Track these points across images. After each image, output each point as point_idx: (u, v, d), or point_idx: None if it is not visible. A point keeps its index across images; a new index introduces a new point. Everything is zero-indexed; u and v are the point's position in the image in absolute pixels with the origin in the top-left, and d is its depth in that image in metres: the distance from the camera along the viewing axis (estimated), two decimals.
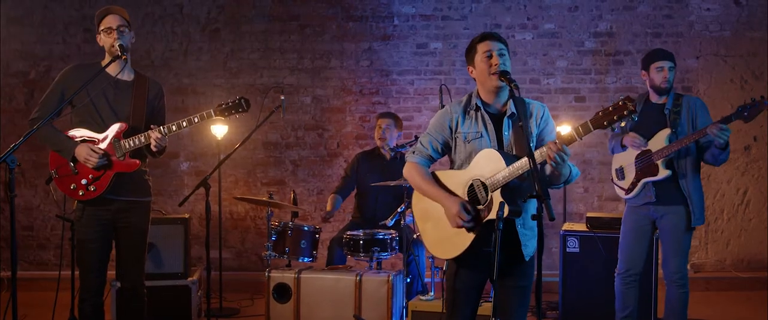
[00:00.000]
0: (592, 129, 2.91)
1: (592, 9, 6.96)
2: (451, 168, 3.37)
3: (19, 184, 6.96)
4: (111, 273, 4.07)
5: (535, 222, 3.16)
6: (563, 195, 6.51)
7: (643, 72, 4.56)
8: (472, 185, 3.21)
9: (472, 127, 3.28)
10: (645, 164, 4.45)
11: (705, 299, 6.42)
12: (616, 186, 4.71)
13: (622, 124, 2.88)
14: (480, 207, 3.17)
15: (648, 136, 4.47)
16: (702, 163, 4.51)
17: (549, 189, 3.24)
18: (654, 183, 4.44)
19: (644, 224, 4.55)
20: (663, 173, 4.38)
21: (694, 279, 6.78)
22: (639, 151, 4.47)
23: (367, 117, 6.97)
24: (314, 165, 7.03)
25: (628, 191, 4.55)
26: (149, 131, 3.83)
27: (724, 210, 6.99)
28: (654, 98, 4.55)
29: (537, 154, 3.02)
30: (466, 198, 3.21)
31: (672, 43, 6.94)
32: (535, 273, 3.03)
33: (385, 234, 4.87)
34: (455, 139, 3.33)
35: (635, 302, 4.60)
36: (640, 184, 4.47)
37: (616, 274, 4.64)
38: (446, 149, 3.39)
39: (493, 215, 3.09)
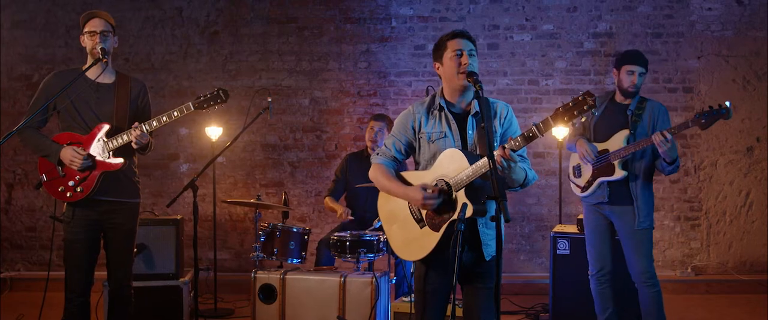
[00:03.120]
0: (553, 124, 2.89)
1: (591, 9, 6.91)
2: (416, 169, 3.37)
3: (22, 186, 7.06)
4: (103, 273, 4.13)
5: (508, 222, 3.16)
6: (559, 197, 6.46)
7: (614, 70, 4.56)
8: (437, 185, 3.20)
9: (435, 127, 3.28)
10: (602, 163, 4.45)
11: (705, 302, 6.36)
12: (572, 184, 4.74)
13: (583, 119, 2.86)
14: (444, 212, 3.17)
15: (608, 135, 4.49)
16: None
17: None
18: (609, 183, 4.45)
19: (602, 222, 4.58)
20: (619, 174, 4.40)
21: (695, 282, 6.75)
22: (593, 158, 4.47)
23: (364, 119, 6.98)
24: (312, 166, 7.05)
25: (583, 189, 4.58)
26: (130, 129, 3.90)
27: (726, 212, 6.90)
28: (619, 98, 4.57)
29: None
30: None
31: (673, 43, 6.87)
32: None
33: (371, 236, 4.87)
34: (419, 139, 3.33)
35: (613, 302, 4.58)
36: (595, 183, 4.49)
37: (589, 276, 4.64)
38: (410, 150, 3.39)
39: (457, 215, 3.09)
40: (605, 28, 6.92)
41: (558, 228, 5.48)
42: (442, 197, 3.14)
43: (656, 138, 4.16)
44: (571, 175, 4.73)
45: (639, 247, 4.41)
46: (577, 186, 4.65)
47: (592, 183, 4.52)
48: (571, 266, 5.21)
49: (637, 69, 4.45)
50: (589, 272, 4.67)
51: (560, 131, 6.25)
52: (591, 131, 4.61)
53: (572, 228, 5.38)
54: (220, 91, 3.98)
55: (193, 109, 3.96)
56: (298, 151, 7.06)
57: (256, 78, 7.03)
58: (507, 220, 2.80)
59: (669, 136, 4.15)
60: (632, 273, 4.47)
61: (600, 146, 4.50)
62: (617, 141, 4.43)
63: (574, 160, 4.72)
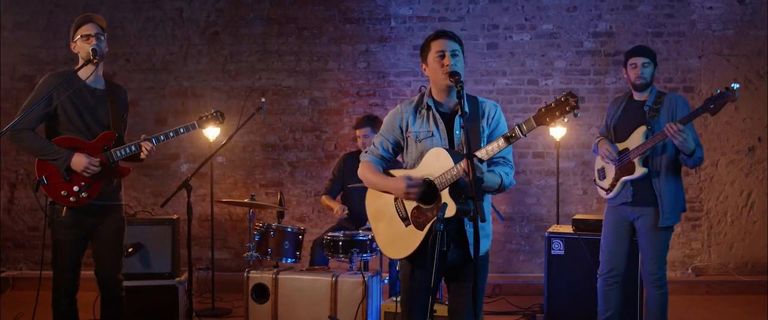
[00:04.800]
0: (535, 125, 2.90)
1: (591, 9, 6.89)
2: (404, 168, 3.38)
3: (25, 185, 7.11)
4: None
5: (485, 222, 3.17)
6: (557, 197, 6.44)
7: (624, 70, 4.53)
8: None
9: (423, 126, 3.29)
10: (624, 162, 4.40)
11: (705, 302, 6.33)
12: (597, 187, 4.67)
13: (565, 120, 2.85)
14: (429, 206, 3.17)
15: (628, 134, 4.44)
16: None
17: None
18: (632, 182, 4.39)
19: (623, 224, 4.51)
20: (639, 171, 4.33)
21: (696, 282, 6.71)
22: (615, 156, 4.42)
23: None
24: (312, 167, 7.06)
25: (608, 191, 4.51)
26: (141, 142, 4.02)
27: (727, 213, 6.86)
28: (636, 96, 4.51)
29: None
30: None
31: (673, 43, 6.84)
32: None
33: (364, 236, 4.88)
34: (406, 138, 3.35)
35: (617, 303, 4.55)
36: (619, 183, 4.42)
37: (598, 275, 4.60)
38: (398, 149, 3.41)
39: (436, 215, 3.09)
40: (605, 27, 6.89)
41: (553, 228, 5.47)
42: (425, 187, 3.15)
43: (669, 129, 4.09)
44: (597, 179, 4.67)
45: (655, 248, 4.36)
46: (603, 188, 4.58)
47: (615, 184, 4.45)
48: (565, 266, 5.20)
49: (640, 60, 4.40)
50: (598, 271, 4.61)
51: (558, 131, 6.23)
52: (612, 131, 4.59)
53: (567, 229, 5.36)
54: (218, 113, 4.44)
55: (198, 127, 4.34)
56: (298, 151, 7.08)
57: (255, 78, 7.05)
58: (482, 220, 2.80)
59: (681, 126, 4.06)
60: (643, 273, 4.45)
61: (621, 145, 4.45)
62: (636, 138, 4.37)
63: (598, 163, 4.66)
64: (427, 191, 3.17)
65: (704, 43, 6.84)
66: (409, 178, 3.17)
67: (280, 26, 7.04)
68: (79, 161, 3.88)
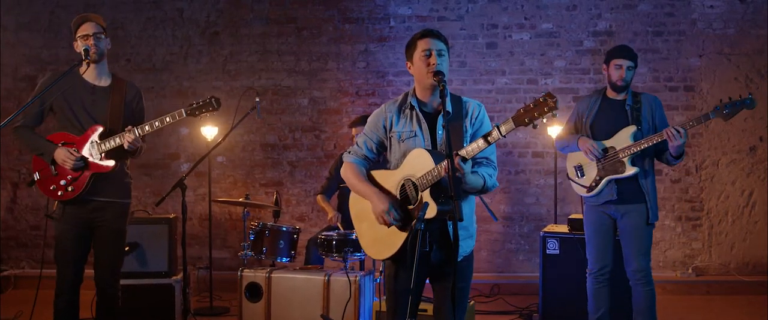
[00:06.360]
0: (514, 126, 2.89)
1: (590, 8, 6.86)
2: (387, 168, 3.38)
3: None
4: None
5: (469, 222, 3.18)
6: (555, 196, 6.42)
7: (604, 66, 4.52)
8: (403, 185, 3.21)
9: (406, 126, 3.29)
10: (610, 161, 4.38)
11: (705, 303, 6.29)
12: (574, 184, 4.62)
13: (544, 120, 2.84)
14: (411, 206, 3.18)
15: (609, 133, 4.42)
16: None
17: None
18: (617, 181, 4.38)
19: (606, 222, 4.50)
20: (631, 170, 4.32)
21: (696, 282, 6.67)
22: (600, 153, 4.41)
23: None
24: (311, 166, 7.08)
25: (589, 189, 4.48)
26: (124, 132, 3.96)
27: (728, 213, 6.81)
28: (612, 95, 4.51)
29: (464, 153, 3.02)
30: (399, 198, 3.22)
31: (674, 42, 6.80)
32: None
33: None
34: (390, 138, 3.34)
35: (608, 302, 4.53)
36: (603, 182, 4.40)
37: (587, 274, 4.57)
38: (382, 148, 3.41)
39: (426, 214, 3.08)
40: (605, 26, 6.86)
41: (549, 227, 5.46)
42: (401, 224, 3.17)
43: (669, 132, 4.11)
44: (573, 176, 4.61)
45: (642, 244, 4.35)
46: (582, 186, 4.53)
47: (599, 183, 4.43)
48: (560, 266, 5.19)
49: (625, 63, 4.40)
50: (587, 270, 4.58)
51: (556, 131, 6.20)
52: (587, 129, 4.54)
53: (564, 228, 5.34)
54: (213, 99, 4.02)
55: (185, 115, 4.01)
56: (297, 150, 7.09)
57: (255, 78, 7.07)
58: (460, 219, 2.79)
59: (683, 131, 4.11)
60: (628, 271, 4.42)
61: (605, 143, 4.45)
62: (623, 137, 4.36)
63: (573, 159, 4.62)
64: (403, 224, 3.18)
65: (705, 42, 6.81)
66: (394, 207, 3.16)
67: (280, 26, 7.06)
68: (59, 153, 3.93)
